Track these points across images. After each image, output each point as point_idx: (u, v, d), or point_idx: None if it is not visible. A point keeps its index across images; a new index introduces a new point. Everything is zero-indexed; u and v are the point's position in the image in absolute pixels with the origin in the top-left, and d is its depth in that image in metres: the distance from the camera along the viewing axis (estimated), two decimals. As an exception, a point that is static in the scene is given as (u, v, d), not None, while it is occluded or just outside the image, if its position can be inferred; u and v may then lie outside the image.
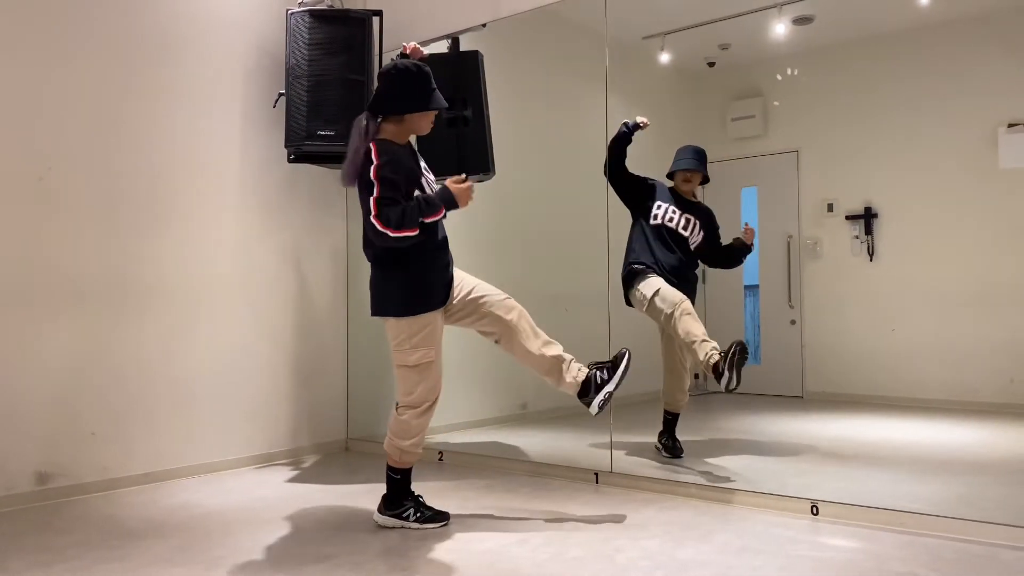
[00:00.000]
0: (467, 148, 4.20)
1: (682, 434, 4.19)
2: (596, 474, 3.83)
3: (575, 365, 3.10)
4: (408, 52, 3.17)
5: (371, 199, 2.86)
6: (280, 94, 4.29)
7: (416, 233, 2.90)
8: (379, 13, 4.37)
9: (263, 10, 4.52)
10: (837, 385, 5.06)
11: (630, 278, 4.07)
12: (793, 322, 5.20)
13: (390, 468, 3.16)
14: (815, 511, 3.17)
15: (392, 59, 3.13)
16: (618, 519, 3.18)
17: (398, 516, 3.12)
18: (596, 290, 4.23)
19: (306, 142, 4.11)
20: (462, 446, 4.50)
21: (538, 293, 4.81)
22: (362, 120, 3.00)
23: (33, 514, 3.38)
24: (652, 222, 4.09)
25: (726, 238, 4.24)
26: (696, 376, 4.20)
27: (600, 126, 4.12)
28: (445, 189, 3.02)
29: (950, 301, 4.64)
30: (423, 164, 3.15)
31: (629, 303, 4.10)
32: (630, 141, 4.06)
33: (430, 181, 3.10)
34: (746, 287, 5.38)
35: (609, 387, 3.04)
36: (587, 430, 3.98)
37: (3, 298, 3.52)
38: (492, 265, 4.68)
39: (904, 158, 4.84)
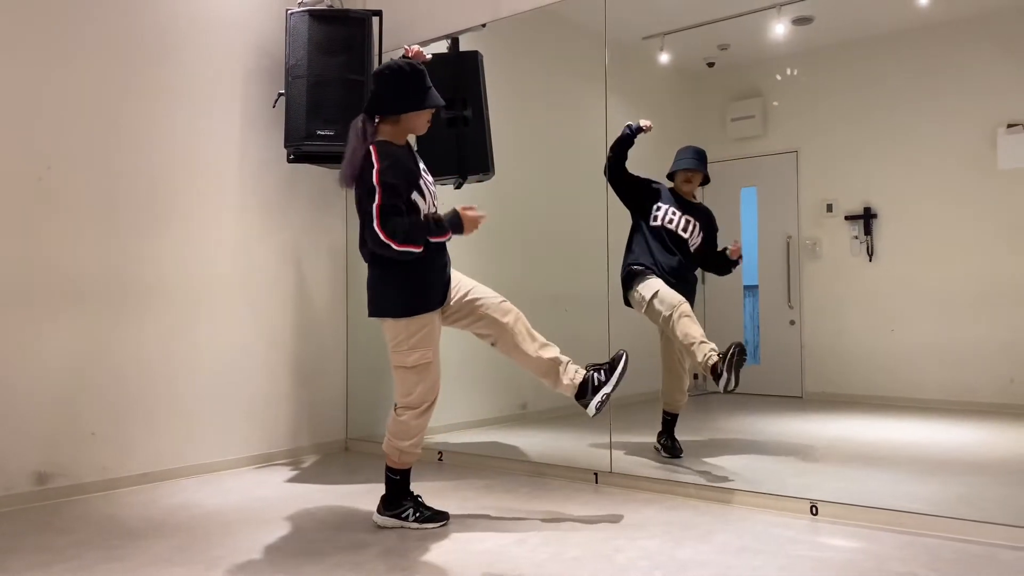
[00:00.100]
0: (467, 148, 4.20)
1: (681, 434, 4.19)
2: (595, 474, 3.83)
3: (572, 367, 3.10)
4: (410, 56, 3.16)
5: (374, 206, 2.86)
6: (280, 94, 4.29)
7: (420, 250, 2.91)
8: (379, 13, 4.37)
9: (263, 10, 4.52)
10: (836, 385, 5.07)
11: (629, 279, 4.07)
12: (792, 322, 5.20)
13: (389, 469, 3.16)
14: (815, 511, 3.17)
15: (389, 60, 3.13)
16: (617, 519, 3.18)
17: (397, 516, 3.12)
18: (595, 290, 4.23)
19: (305, 142, 4.11)
20: (461, 446, 4.50)
21: (537, 293, 4.81)
22: (359, 122, 2.99)
23: (33, 514, 3.38)
24: (652, 223, 4.09)
25: (726, 239, 4.24)
26: (695, 377, 4.20)
27: (600, 126, 4.12)
28: (455, 215, 3.01)
29: (949, 301, 4.64)
30: (422, 165, 3.14)
31: (628, 304, 4.10)
32: (632, 144, 4.06)
33: (428, 182, 3.09)
34: (745, 287, 5.39)
35: (606, 389, 3.04)
36: (587, 430, 3.98)
37: (3, 298, 3.52)
38: (491, 265, 4.68)
39: (903, 158, 4.85)
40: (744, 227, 5.39)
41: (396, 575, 2.59)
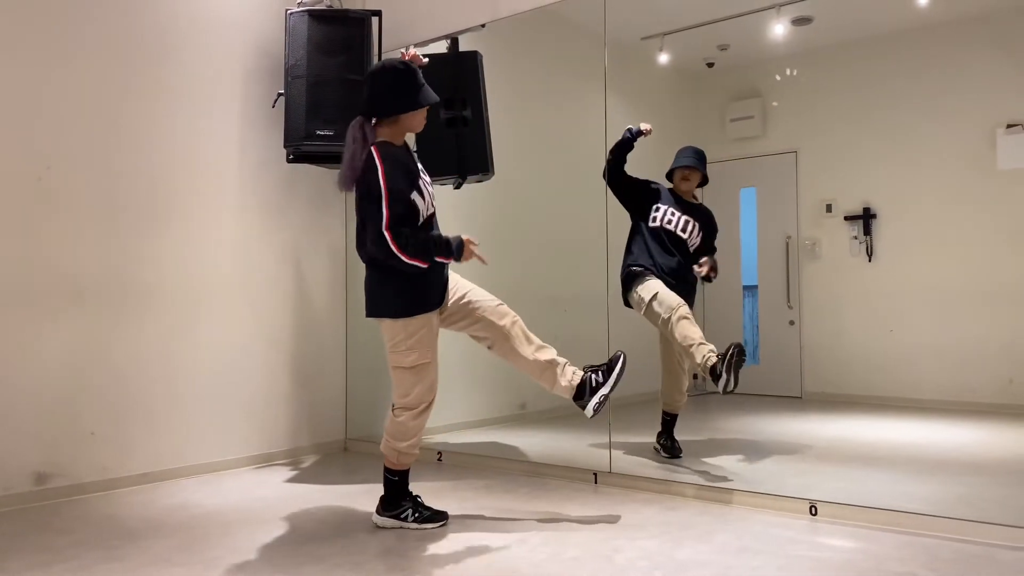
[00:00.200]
0: (466, 148, 4.21)
1: (681, 434, 4.19)
2: (595, 474, 3.83)
3: (569, 369, 3.10)
4: (408, 59, 3.16)
5: (385, 214, 2.86)
6: (279, 94, 4.29)
7: (426, 267, 2.94)
8: (378, 13, 4.37)
9: (262, 10, 4.52)
10: (836, 385, 5.07)
11: (629, 280, 4.07)
12: (792, 322, 5.20)
13: (387, 470, 3.16)
14: (814, 511, 3.17)
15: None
16: (617, 519, 3.18)
17: (396, 517, 3.12)
18: (595, 291, 4.24)
19: (305, 142, 4.12)
20: (461, 446, 4.50)
21: (537, 294, 4.82)
22: (357, 124, 2.99)
23: (32, 514, 3.38)
24: (651, 224, 4.09)
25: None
26: (695, 377, 4.21)
27: (599, 127, 4.12)
28: (460, 243, 3.03)
29: (949, 301, 4.65)
30: (419, 165, 3.15)
31: (628, 305, 4.10)
32: (632, 148, 4.07)
33: (427, 183, 3.09)
34: (745, 288, 5.39)
35: (604, 390, 3.04)
36: (586, 430, 3.98)
37: (3, 298, 3.52)
38: (491, 266, 4.68)
39: (903, 159, 4.85)
40: (743, 227, 5.39)
41: (395, 575, 2.60)
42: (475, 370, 4.70)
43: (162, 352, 4.02)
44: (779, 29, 4.77)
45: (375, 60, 4.32)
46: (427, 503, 3.21)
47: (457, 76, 4.24)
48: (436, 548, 2.86)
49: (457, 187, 4.32)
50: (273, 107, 4.42)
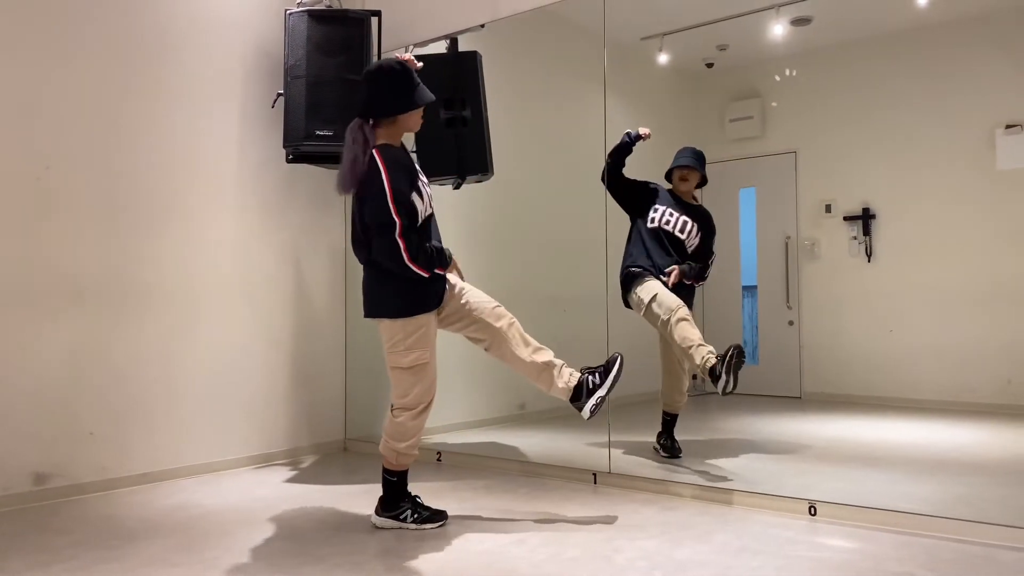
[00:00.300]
0: (466, 148, 4.21)
1: (680, 434, 4.19)
2: (594, 474, 3.83)
3: (567, 370, 3.10)
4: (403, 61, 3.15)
5: (398, 223, 2.87)
6: (279, 94, 4.29)
7: (427, 276, 2.98)
8: (378, 13, 4.37)
9: (262, 10, 4.52)
10: (835, 386, 5.08)
11: (628, 281, 4.08)
12: (791, 323, 5.21)
13: (386, 471, 3.16)
14: (813, 511, 3.17)
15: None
16: (616, 519, 3.18)
17: (395, 518, 3.12)
18: (594, 291, 4.24)
19: (304, 142, 4.12)
20: (460, 446, 4.50)
21: (536, 294, 4.82)
22: (356, 126, 2.99)
23: (31, 514, 3.38)
24: (649, 225, 4.10)
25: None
26: (694, 377, 4.21)
27: (598, 127, 4.12)
28: (450, 255, 3.10)
29: (948, 302, 4.65)
30: (417, 166, 3.15)
31: (628, 306, 4.10)
32: (630, 152, 4.09)
33: (424, 184, 3.09)
34: (744, 288, 5.40)
35: (601, 391, 3.04)
36: (585, 431, 3.98)
37: (3, 298, 3.52)
38: (490, 265, 4.69)
39: (902, 159, 4.85)
40: (743, 228, 5.40)
41: (394, 575, 2.60)
42: (474, 370, 4.70)
43: (162, 352, 4.02)
44: (778, 29, 4.77)
45: (375, 60, 4.32)
46: (426, 503, 3.21)
47: (457, 76, 4.24)
48: (435, 548, 2.86)
49: (456, 187, 4.32)
50: (272, 107, 4.42)
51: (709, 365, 3.53)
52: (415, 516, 3.12)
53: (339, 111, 4.04)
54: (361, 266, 3.12)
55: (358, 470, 4.24)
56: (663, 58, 5.22)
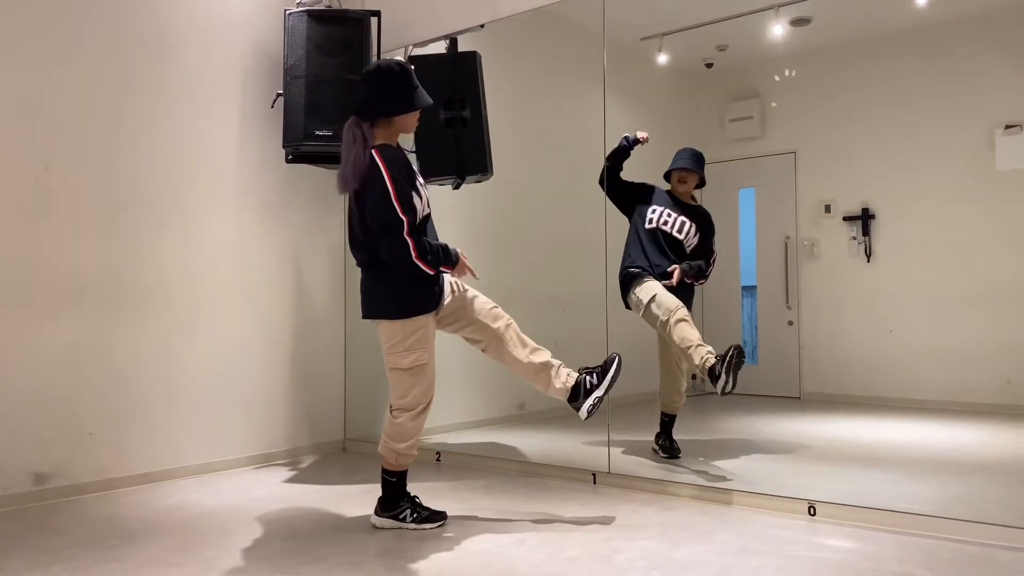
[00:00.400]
0: (465, 148, 4.21)
1: (680, 434, 4.19)
2: (594, 474, 3.83)
3: (564, 371, 3.10)
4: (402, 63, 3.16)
5: (405, 222, 2.87)
6: (278, 94, 4.29)
7: (432, 273, 2.99)
8: (377, 13, 4.37)
9: (261, 10, 4.52)
10: (834, 386, 5.08)
11: (627, 281, 4.09)
12: (791, 323, 5.21)
13: (385, 471, 3.15)
14: (812, 511, 3.17)
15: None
16: (615, 520, 3.18)
17: (395, 518, 3.12)
18: (594, 291, 4.24)
19: (304, 142, 4.11)
20: (460, 446, 4.50)
21: (536, 294, 4.82)
22: (353, 123, 2.99)
23: (31, 514, 3.38)
24: (647, 226, 4.10)
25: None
26: (693, 377, 4.21)
27: (598, 127, 4.12)
28: (457, 255, 3.08)
29: (947, 302, 4.65)
30: (414, 167, 3.16)
31: (628, 306, 4.11)
32: (628, 155, 4.10)
33: (421, 184, 3.09)
34: (744, 288, 5.40)
35: (598, 392, 3.04)
36: (584, 431, 3.98)
37: (3, 298, 3.52)
38: (490, 265, 4.68)
39: (901, 159, 4.86)
40: (742, 228, 5.40)
41: (394, 575, 2.60)
42: (474, 370, 4.70)
43: (161, 352, 4.02)
44: (778, 30, 4.77)
45: (374, 60, 4.32)
46: (426, 503, 3.21)
47: (456, 76, 4.24)
48: (435, 548, 2.86)
49: (456, 187, 4.32)
50: (272, 107, 4.42)
51: (708, 365, 3.53)
52: (414, 516, 3.12)
53: (339, 111, 4.04)
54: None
55: (358, 470, 4.24)
56: (663, 58, 5.22)
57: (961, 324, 4.59)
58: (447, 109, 4.17)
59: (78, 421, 3.72)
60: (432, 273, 2.98)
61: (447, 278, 3.14)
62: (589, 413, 3.05)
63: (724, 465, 3.96)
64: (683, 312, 3.79)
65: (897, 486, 3.59)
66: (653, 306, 3.88)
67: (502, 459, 4.23)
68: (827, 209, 5.10)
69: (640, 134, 4.06)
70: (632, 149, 4.07)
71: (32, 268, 3.61)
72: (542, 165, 5.27)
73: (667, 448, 4.15)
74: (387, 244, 2.91)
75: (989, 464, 3.91)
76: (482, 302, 3.14)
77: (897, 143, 4.87)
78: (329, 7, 4.38)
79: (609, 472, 3.81)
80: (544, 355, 3.11)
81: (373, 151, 2.94)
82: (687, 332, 3.72)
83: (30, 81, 3.64)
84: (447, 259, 3.03)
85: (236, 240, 4.37)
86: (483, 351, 3.16)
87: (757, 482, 3.56)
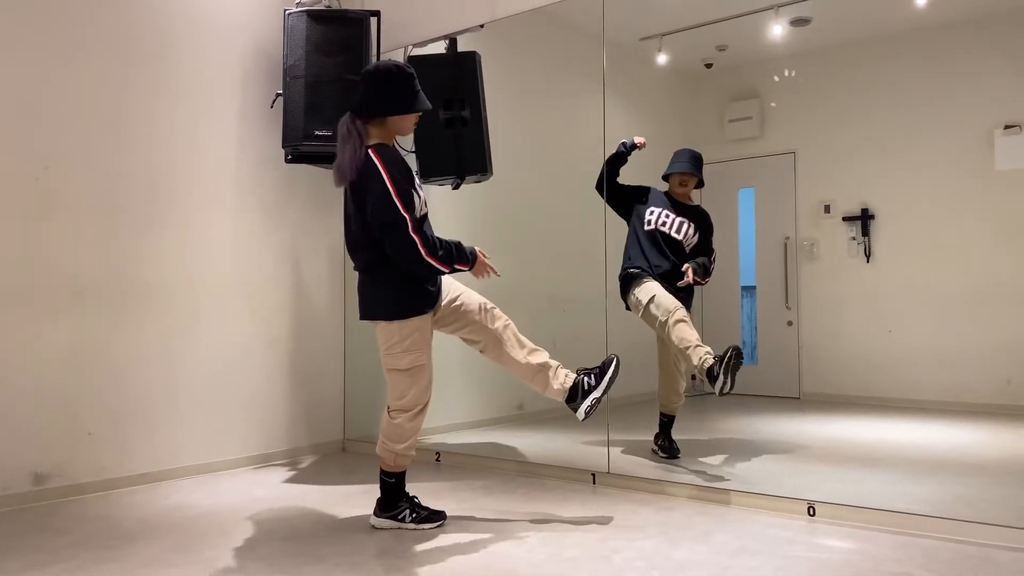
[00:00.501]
0: (465, 148, 4.21)
1: (679, 435, 4.19)
2: (593, 475, 3.83)
3: (562, 371, 3.10)
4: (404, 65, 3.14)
5: (408, 221, 2.86)
6: (277, 94, 4.29)
7: (448, 271, 2.98)
8: (377, 14, 4.37)
9: (261, 10, 4.52)
10: (834, 386, 5.07)
11: (626, 282, 4.10)
12: (790, 323, 5.20)
13: (384, 472, 3.15)
14: (812, 512, 3.17)
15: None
16: (615, 520, 3.18)
17: (394, 518, 3.12)
18: (593, 291, 4.24)
19: (303, 142, 4.11)
20: (459, 447, 4.50)
21: (536, 294, 4.82)
22: (349, 120, 2.97)
23: (30, 514, 3.38)
24: (646, 227, 4.11)
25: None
26: (693, 378, 4.21)
27: (597, 127, 4.13)
28: (474, 253, 3.07)
29: (947, 302, 4.64)
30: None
31: (628, 307, 4.11)
32: (625, 161, 4.12)
33: (419, 185, 3.09)
34: (743, 288, 5.39)
35: (596, 393, 3.04)
36: (584, 431, 3.98)
37: (3, 298, 3.52)
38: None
39: (901, 159, 4.85)
40: (742, 228, 5.39)
41: (393, 575, 2.60)
42: (473, 371, 4.70)
43: (161, 352, 4.02)
44: (777, 30, 4.77)
45: (373, 60, 4.32)
46: (425, 503, 3.21)
47: (456, 76, 4.24)
48: (434, 548, 2.86)
49: (456, 187, 4.32)
50: (271, 107, 4.42)
51: (706, 366, 3.54)
52: (413, 516, 3.12)
53: (338, 111, 3.99)
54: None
55: (357, 470, 4.24)
56: (662, 58, 5.22)
57: (961, 324, 4.58)
58: (447, 109, 4.17)
59: (77, 421, 3.72)
60: (447, 271, 2.96)
61: (445, 279, 3.13)
62: (587, 414, 3.05)
63: (723, 465, 3.96)
64: (682, 313, 3.80)
65: (896, 486, 3.59)
66: (652, 307, 3.89)
67: (501, 459, 4.23)
68: (826, 209, 5.09)
69: (637, 140, 4.08)
70: (629, 155, 4.09)
71: (32, 268, 3.61)
72: (542, 165, 5.27)
73: (666, 448, 4.15)
74: (393, 244, 2.90)
75: (988, 464, 3.91)
76: (479, 302, 3.13)
77: (897, 143, 4.87)
78: (329, 7, 4.38)
79: (608, 472, 3.81)
80: (542, 356, 3.11)
81: (370, 151, 2.93)
82: (685, 333, 3.72)
83: (30, 81, 3.64)
84: (462, 257, 3.01)
85: (236, 240, 4.37)
86: (481, 352, 3.15)
87: (756, 482, 3.56)
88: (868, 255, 4.93)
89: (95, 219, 3.82)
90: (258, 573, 2.61)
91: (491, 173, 4.29)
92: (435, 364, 3.12)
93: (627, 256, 4.16)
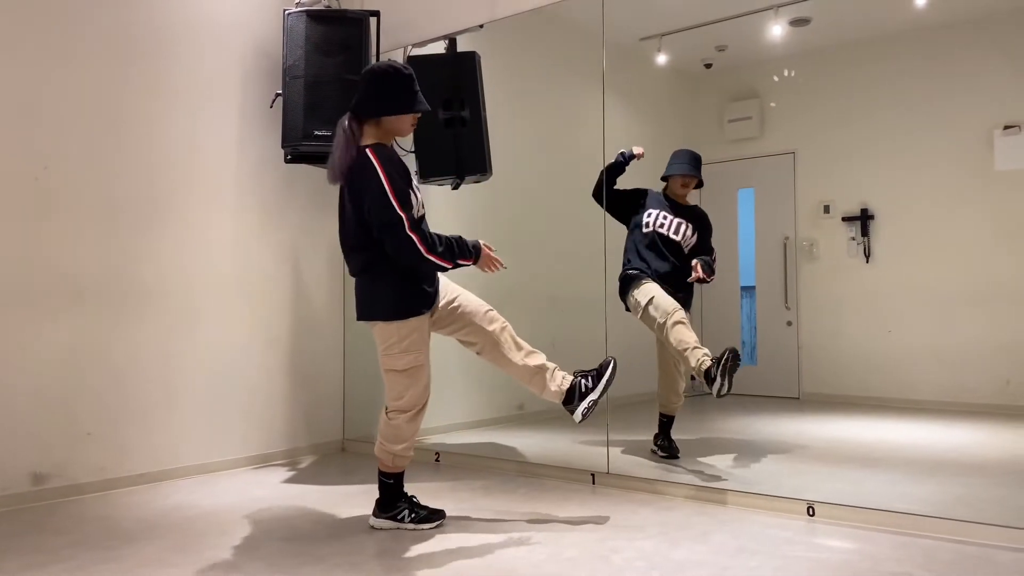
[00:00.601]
0: (464, 149, 4.21)
1: (678, 435, 4.19)
2: (592, 475, 3.83)
3: (559, 373, 3.10)
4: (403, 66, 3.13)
5: (405, 219, 2.85)
6: (277, 94, 4.29)
7: (450, 267, 2.97)
8: (376, 13, 4.36)
9: (260, 10, 4.52)
10: (833, 386, 5.07)
11: (626, 283, 4.11)
12: (789, 323, 5.20)
13: (382, 473, 3.15)
14: (811, 512, 3.17)
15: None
16: (614, 520, 3.18)
17: (393, 519, 3.12)
18: (593, 292, 4.24)
19: (303, 142, 4.11)
20: (459, 447, 4.50)
21: (535, 295, 4.82)
22: (346, 119, 2.97)
23: (29, 514, 3.38)
24: (644, 230, 4.12)
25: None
26: (692, 379, 4.21)
27: (597, 127, 4.13)
28: (478, 247, 3.05)
29: (946, 302, 4.64)
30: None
31: (628, 308, 4.12)
32: (623, 171, 4.14)
33: (416, 185, 3.09)
34: (742, 288, 5.39)
35: (593, 395, 3.04)
36: (583, 431, 3.98)
37: (2, 298, 3.52)
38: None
39: (900, 160, 4.85)
40: (741, 228, 5.39)
41: (393, 575, 2.60)
42: (472, 371, 4.69)
43: (160, 352, 4.02)
44: (777, 30, 4.77)
45: (373, 60, 4.32)
46: (424, 503, 3.21)
47: (455, 76, 4.24)
48: (433, 548, 2.86)
49: (455, 187, 4.32)
50: (271, 107, 4.42)
51: (704, 368, 3.54)
52: (412, 516, 3.12)
53: (338, 111, 3.98)
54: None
55: (356, 470, 4.23)
56: (662, 58, 5.22)
57: (960, 324, 4.58)
58: (446, 109, 4.17)
59: (77, 421, 3.72)
60: (449, 267, 2.96)
61: (443, 279, 3.13)
62: (584, 416, 3.05)
63: (723, 465, 3.96)
64: (680, 314, 3.81)
65: (896, 486, 3.59)
66: (651, 308, 3.89)
67: (501, 459, 4.23)
68: (826, 209, 5.09)
69: (636, 149, 4.11)
70: (627, 164, 4.11)
71: (32, 268, 3.61)
72: (541, 165, 5.27)
73: (666, 448, 4.16)
74: (392, 244, 2.89)
75: (988, 465, 3.91)
76: (477, 304, 3.13)
77: (896, 143, 4.87)
78: (328, 7, 4.38)
79: (608, 472, 3.81)
80: (539, 358, 3.11)
81: (368, 150, 2.92)
82: (684, 334, 3.73)
83: (30, 81, 3.63)
84: (464, 251, 3.00)
85: (235, 240, 4.37)
86: (478, 353, 3.15)
87: (756, 482, 3.56)
88: (867, 255, 4.93)
89: (95, 219, 3.82)
90: (257, 573, 2.61)
91: (491, 173, 4.29)
92: (434, 364, 3.12)
93: (626, 258, 4.17)
